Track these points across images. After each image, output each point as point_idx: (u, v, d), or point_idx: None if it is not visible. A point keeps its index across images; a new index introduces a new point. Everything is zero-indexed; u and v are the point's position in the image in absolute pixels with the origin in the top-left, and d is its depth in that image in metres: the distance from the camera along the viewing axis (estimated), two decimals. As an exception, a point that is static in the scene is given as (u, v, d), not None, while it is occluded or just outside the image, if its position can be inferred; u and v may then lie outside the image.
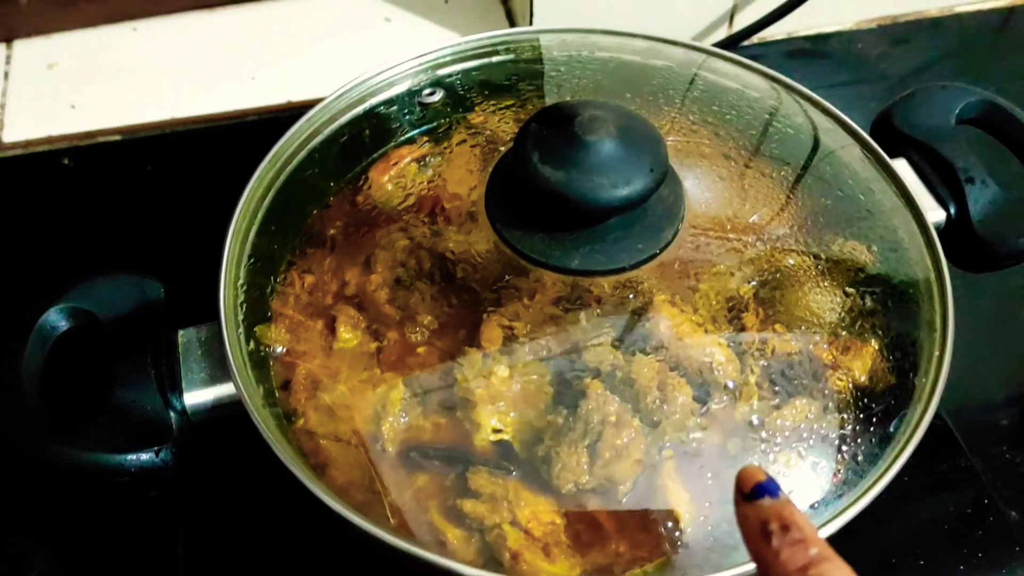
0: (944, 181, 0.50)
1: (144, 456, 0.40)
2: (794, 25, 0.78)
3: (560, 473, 0.41)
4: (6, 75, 0.71)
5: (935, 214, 0.49)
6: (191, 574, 0.47)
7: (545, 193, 0.40)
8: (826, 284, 0.44)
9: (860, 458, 0.40)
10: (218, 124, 0.68)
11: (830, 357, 0.42)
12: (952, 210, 0.49)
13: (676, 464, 0.41)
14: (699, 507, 0.40)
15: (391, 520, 0.41)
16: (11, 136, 0.67)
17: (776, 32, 0.77)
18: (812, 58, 0.77)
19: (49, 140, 0.67)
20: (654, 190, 0.41)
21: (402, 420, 0.42)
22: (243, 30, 0.76)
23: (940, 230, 0.49)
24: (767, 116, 0.50)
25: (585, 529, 0.41)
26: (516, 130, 0.44)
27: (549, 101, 0.50)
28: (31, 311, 0.43)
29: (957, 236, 0.49)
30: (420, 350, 0.44)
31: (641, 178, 0.40)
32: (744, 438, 0.41)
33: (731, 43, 0.74)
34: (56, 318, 0.43)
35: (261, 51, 0.74)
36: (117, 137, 0.67)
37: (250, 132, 0.67)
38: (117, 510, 0.49)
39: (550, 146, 0.41)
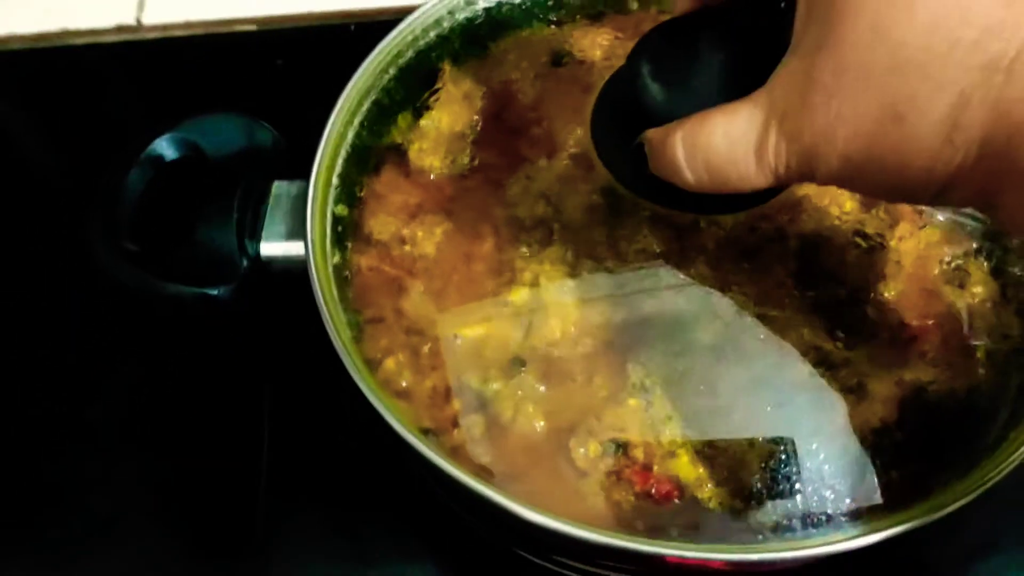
0: None
1: (208, 291, 0.40)
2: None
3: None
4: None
5: None
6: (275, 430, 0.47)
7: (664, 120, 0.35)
8: None
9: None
10: (356, 21, 0.65)
11: None
12: None
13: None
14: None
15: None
16: (151, 19, 0.66)
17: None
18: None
19: (187, 25, 0.66)
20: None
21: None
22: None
23: None
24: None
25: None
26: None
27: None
28: (143, 137, 0.44)
29: None
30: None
31: None
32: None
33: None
34: (166, 146, 0.44)
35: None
36: (252, 27, 0.65)
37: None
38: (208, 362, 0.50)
39: (669, 64, 0.36)
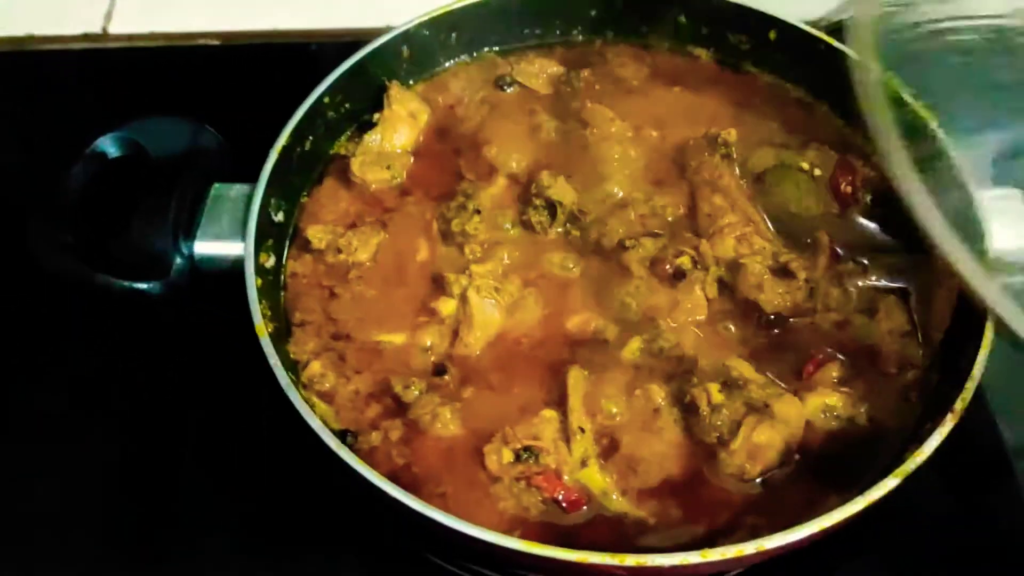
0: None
1: (138, 285, 0.41)
2: None
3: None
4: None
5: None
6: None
7: None
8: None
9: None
10: (317, 41, 0.66)
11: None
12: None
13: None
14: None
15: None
16: (117, 28, 0.67)
17: None
18: None
19: (152, 36, 0.67)
20: None
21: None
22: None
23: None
24: None
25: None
26: None
27: None
28: (86, 135, 0.45)
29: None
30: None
31: None
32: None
33: None
34: (109, 144, 0.45)
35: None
36: (216, 42, 0.66)
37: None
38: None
39: None
